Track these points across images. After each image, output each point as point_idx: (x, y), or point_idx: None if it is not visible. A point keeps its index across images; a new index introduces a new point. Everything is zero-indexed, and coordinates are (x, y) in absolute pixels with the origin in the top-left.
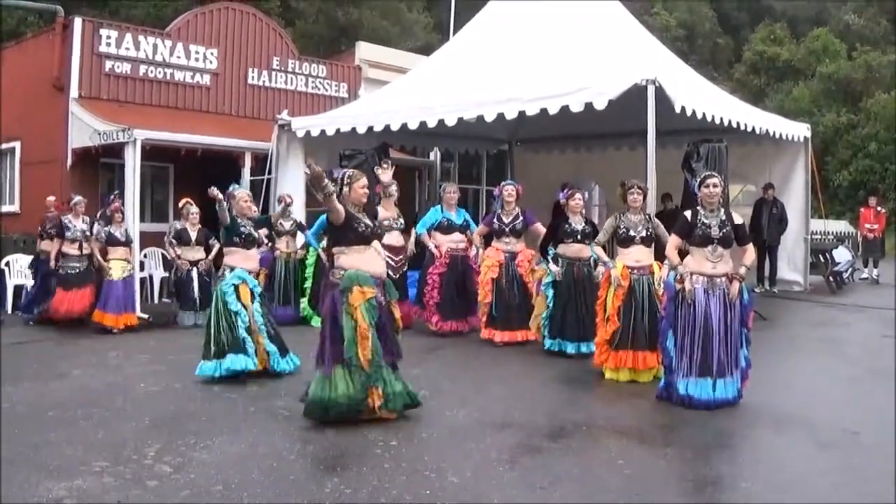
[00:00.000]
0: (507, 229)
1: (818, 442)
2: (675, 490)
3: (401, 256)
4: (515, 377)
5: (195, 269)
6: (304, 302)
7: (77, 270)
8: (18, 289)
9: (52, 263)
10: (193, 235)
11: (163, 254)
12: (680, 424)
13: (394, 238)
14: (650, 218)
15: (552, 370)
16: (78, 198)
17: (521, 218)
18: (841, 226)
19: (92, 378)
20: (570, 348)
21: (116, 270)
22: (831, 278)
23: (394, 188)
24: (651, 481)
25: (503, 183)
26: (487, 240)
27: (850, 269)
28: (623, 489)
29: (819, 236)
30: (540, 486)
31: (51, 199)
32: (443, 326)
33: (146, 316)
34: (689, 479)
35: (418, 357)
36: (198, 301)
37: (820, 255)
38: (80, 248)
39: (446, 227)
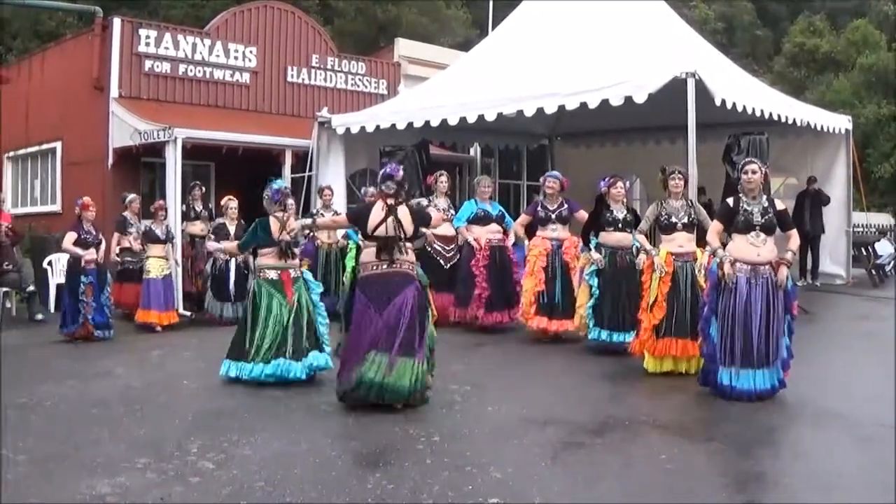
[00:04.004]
0: (552, 216)
1: (856, 437)
2: (718, 485)
3: (452, 246)
4: (557, 373)
5: (233, 261)
6: None
7: (137, 266)
8: (61, 287)
9: (115, 256)
10: (232, 230)
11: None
12: (721, 419)
13: (445, 227)
14: (692, 203)
15: (594, 365)
16: (132, 195)
17: (566, 205)
18: (882, 218)
19: (135, 376)
20: (619, 337)
21: (156, 269)
22: (873, 271)
23: (444, 178)
24: (693, 476)
25: (546, 174)
26: (530, 233)
27: (892, 262)
28: (665, 484)
29: (861, 229)
30: (582, 482)
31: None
32: (486, 319)
33: (189, 313)
34: (731, 475)
35: (460, 353)
36: (233, 293)
37: (862, 248)
38: (141, 244)
39: (483, 219)
